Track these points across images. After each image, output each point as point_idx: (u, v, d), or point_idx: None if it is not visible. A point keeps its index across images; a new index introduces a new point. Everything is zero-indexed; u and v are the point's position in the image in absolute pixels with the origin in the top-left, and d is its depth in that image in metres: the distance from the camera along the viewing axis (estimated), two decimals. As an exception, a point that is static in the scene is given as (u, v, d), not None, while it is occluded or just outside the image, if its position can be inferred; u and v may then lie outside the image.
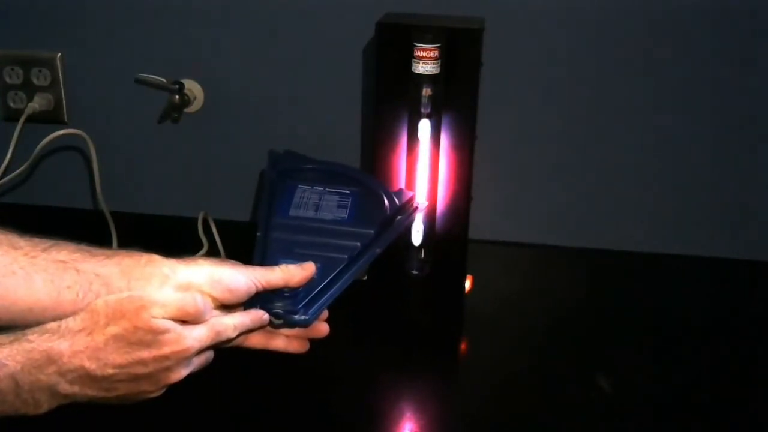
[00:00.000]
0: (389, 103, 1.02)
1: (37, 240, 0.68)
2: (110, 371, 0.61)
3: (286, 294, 0.74)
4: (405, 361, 0.97)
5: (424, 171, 1.03)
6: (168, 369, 0.63)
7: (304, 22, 1.18)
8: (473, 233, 1.10)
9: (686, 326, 1.07)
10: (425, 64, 0.96)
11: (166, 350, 0.62)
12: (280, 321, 0.73)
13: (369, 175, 0.94)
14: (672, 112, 1.17)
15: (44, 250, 0.67)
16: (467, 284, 1.14)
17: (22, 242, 0.67)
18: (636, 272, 1.20)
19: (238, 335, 0.69)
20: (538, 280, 1.19)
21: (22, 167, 1.20)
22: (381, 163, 1.06)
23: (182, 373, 0.64)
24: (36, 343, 0.60)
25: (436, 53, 0.96)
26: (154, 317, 0.61)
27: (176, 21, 1.20)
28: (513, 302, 1.11)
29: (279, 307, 0.73)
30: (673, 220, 1.22)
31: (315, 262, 0.76)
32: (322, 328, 0.76)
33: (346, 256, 0.79)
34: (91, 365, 0.60)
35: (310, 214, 0.85)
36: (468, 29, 0.99)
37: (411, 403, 0.92)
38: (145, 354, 0.61)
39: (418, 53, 0.96)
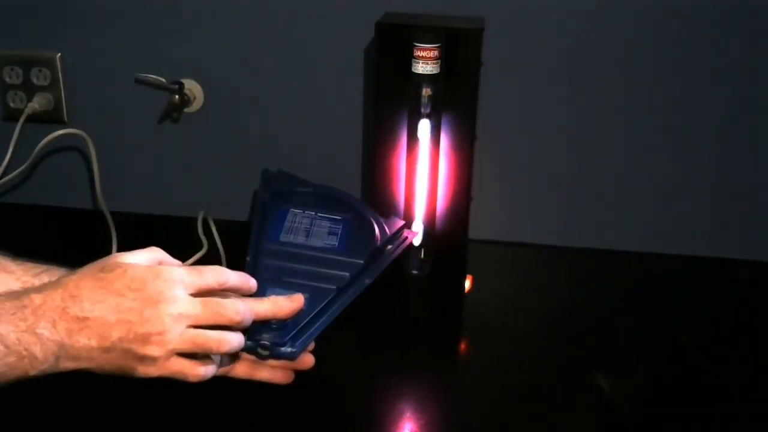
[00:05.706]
0: (389, 103, 1.02)
1: (29, 264, 0.68)
2: (88, 306, 0.60)
3: (273, 326, 0.74)
4: (405, 361, 0.97)
5: (424, 171, 1.03)
6: (156, 319, 0.62)
7: (304, 22, 1.18)
8: (473, 233, 1.10)
9: (686, 326, 1.07)
10: (425, 64, 0.96)
11: (149, 290, 0.61)
12: (266, 352, 0.74)
13: (361, 201, 0.93)
14: (672, 112, 1.17)
15: (36, 275, 0.67)
16: (467, 284, 1.14)
17: (13, 266, 0.67)
18: (636, 272, 1.20)
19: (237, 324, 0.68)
20: (538, 280, 1.19)
21: (22, 167, 1.20)
22: (381, 163, 1.06)
23: (171, 339, 0.62)
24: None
25: (436, 53, 0.96)
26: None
27: (176, 21, 1.20)
28: (513, 302, 1.11)
29: (266, 338, 0.73)
30: (673, 220, 1.22)
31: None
32: (307, 360, 0.77)
33: (334, 287, 0.79)
34: (67, 303, 0.60)
35: (301, 240, 0.84)
36: (468, 29, 0.99)
37: (411, 403, 0.92)
38: (125, 291, 0.61)
39: (418, 53, 0.96)
